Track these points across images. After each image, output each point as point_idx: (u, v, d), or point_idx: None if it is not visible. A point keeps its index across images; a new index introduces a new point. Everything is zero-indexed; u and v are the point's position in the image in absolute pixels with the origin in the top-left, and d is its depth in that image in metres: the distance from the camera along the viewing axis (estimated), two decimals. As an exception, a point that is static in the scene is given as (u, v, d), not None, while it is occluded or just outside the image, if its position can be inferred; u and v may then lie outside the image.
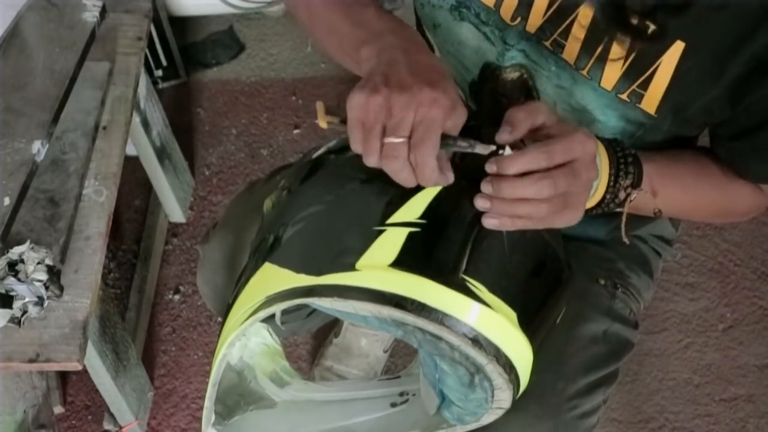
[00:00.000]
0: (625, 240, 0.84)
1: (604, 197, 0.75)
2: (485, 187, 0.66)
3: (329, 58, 0.78)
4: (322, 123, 0.68)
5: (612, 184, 0.74)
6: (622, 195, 0.75)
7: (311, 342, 1.56)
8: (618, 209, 0.77)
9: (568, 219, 0.68)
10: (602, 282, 0.97)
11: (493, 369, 0.67)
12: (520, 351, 0.68)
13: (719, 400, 1.52)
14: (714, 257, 1.69)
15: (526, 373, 0.70)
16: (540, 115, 0.67)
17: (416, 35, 0.73)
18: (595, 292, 0.97)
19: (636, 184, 0.75)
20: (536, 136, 0.67)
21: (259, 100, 1.93)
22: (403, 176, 0.65)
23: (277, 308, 0.69)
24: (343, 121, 0.66)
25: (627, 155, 0.75)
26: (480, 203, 0.66)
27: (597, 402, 0.93)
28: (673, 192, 0.83)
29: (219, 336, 0.78)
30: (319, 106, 0.68)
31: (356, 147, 0.65)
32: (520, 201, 0.65)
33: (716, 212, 0.91)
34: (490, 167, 0.65)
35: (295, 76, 1.97)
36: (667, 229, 1.06)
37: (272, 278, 0.71)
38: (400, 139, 0.63)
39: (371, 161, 0.65)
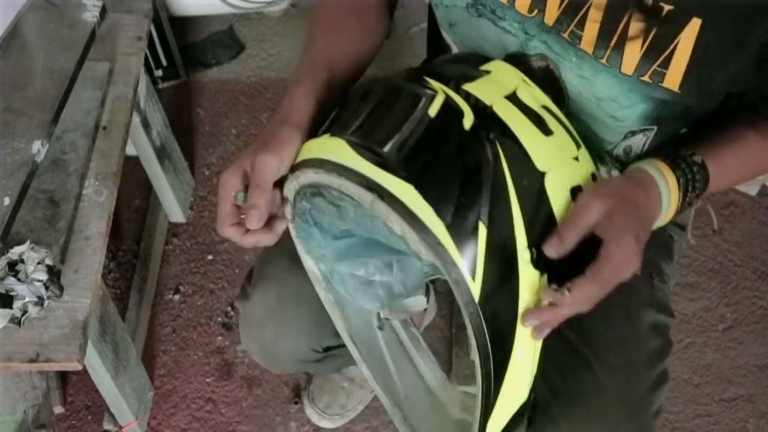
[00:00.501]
0: (692, 241, 0.89)
1: (674, 216, 0.79)
2: (529, 322, 0.72)
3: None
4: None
5: (681, 202, 0.78)
6: (686, 205, 0.79)
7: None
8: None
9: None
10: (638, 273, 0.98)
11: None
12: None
13: (719, 400, 1.52)
14: (714, 257, 1.69)
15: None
16: (591, 218, 0.71)
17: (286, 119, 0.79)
18: (636, 284, 0.97)
19: (701, 193, 0.79)
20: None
21: (259, 100, 1.93)
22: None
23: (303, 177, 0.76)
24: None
25: (693, 165, 0.78)
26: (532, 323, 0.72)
27: (661, 400, 0.94)
28: (726, 179, 0.85)
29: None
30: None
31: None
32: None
33: (757, 176, 0.94)
34: (547, 296, 0.71)
35: (295, 76, 1.96)
36: (682, 216, 1.06)
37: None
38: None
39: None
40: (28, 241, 0.98)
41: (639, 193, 0.75)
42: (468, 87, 0.75)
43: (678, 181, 0.77)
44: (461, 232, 0.68)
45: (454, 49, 0.92)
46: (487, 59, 0.83)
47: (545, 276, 0.73)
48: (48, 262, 0.97)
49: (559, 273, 0.74)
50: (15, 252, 0.96)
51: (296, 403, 1.50)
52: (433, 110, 0.71)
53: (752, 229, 1.73)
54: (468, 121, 0.71)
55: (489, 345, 0.71)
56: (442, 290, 1.30)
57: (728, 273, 1.67)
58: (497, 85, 0.77)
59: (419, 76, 0.76)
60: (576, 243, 0.70)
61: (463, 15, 0.85)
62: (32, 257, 0.96)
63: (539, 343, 0.76)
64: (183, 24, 2.00)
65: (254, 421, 1.49)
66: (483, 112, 0.73)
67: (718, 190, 0.85)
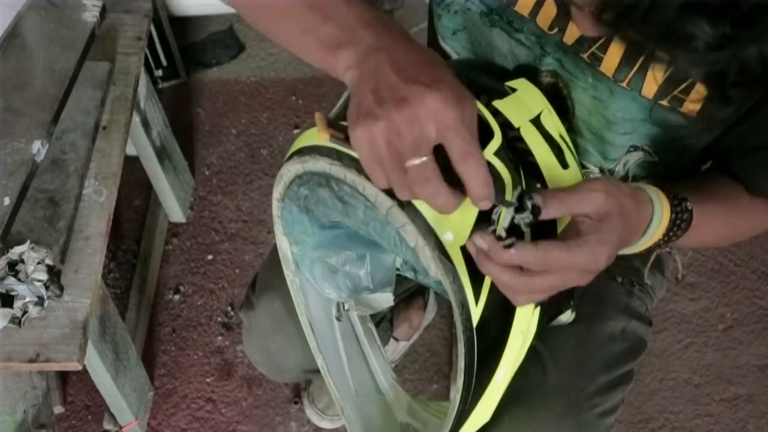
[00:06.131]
0: (648, 282, 0.88)
1: (649, 249, 0.75)
2: (476, 241, 0.62)
3: (283, 48, 0.71)
4: (323, 136, 0.64)
5: (662, 240, 0.75)
6: (657, 246, 0.76)
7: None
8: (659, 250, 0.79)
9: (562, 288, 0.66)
10: (619, 280, 0.98)
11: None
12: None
13: (719, 400, 1.52)
14: (714, 257, 1.69)
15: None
16: (583, 208, 0.64)
17: (394, 22, 0.65)
18: (613, 290, 0.97)
19: (675, 239, 0.76)
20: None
21: (259, 100, 1.93)
22: (441, 200, 0.59)
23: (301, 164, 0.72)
24: (347, 137, 0.62)
25: (685, 213, 0.75)
26: (478, 245, 0.63)
27: (616, 401, 0.93)
28: (703, 234, 0.81)
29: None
30: (319, 118, 0.63)
31: (381, 185, 0.60)
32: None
33: (736, 239, 0.90)
34: (480, 242, 0.62)
35: (295, 76, 1.97)
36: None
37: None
38: (422, 159, 0.57)
39: (404, 195, 0.59)
40: (28, 241, 0.98)
41: (635, 214, 0.70)
42: (498, 104, 0.74)
43: (669, 220, 0.74)
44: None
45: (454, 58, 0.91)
46: (509, 72, 0.81)
47: (539, 307, 0.73)
48: (48, 262, 0.97)
49: (550, 308, 0.75)
50: (15, 252, 0.96)
51: (296, 403, 1.50)
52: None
53: (752, 229, 1.73)
54: (496, 143, 0.69)
55: (476, 367, 0.71)
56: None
57: (728, 273, 1.67)
58: (524, 107, 0.76)
59: None
60: (554, 217, 0.64)
61: (475, 21, 0.84)
62: (32, 257, 0.96)
63: (517, 367, 0.75)
64: (183, 24, 2.00)
65: (254, 421, 1.49)
66: (510, 134, 0.72)
67: (682, 245, 0.82)
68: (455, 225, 0.66)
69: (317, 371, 1.02)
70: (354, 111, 0.59)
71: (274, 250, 1.00)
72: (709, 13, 0.54)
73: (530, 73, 0.83)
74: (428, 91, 0.57)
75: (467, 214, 0.66)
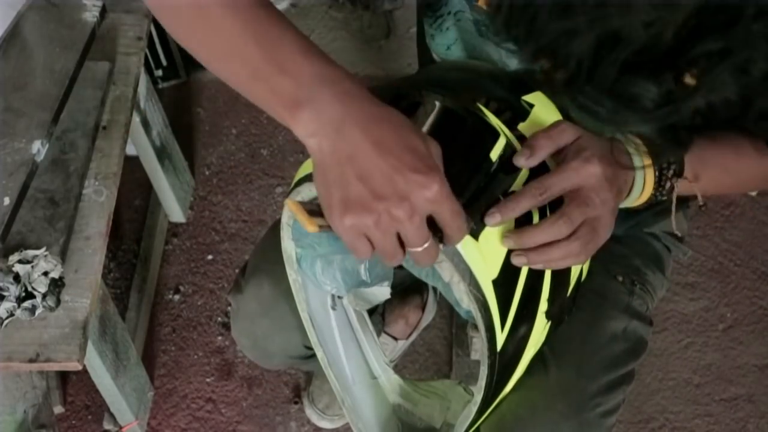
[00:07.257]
0: (676, 232, 0.87)
1: (653, 193, 0.78)
2: (506, 242, 0.69)
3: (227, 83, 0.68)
4: (311, 228, 0.62)
5: (658, 178, 0.77)
6: (667, 185, 0.78)
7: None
8: (664, 198, 0.80)
9: (603, 239, 0.72)
10: (620, 279, 0.98)
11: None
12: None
13: (719, 400, 1.52)
14: (714, 257, 1.69)
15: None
16: (563, 138, 0.71)
17: (352, 79, 0.63)
18: (614, 289, 0.97)
19: (679, 173, 0.78)
20: (557, 157, 0.71)
21: (259, 100, 1.93)
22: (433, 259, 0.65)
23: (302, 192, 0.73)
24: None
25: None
26: (508, 244, 0.70)
27: (618, 401, 0.94)
28: (715, 173, 0.84)
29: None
30: (297, 209, 0.62)
31: (365, 257, 0.63)
32: (548, 246, 0.69)
33: (758, 185, 0.93)
34: (492, 219, 0.69)
35: (295, 76, 1.96)
36: (679, 226, 1.06)
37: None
38: (425, 245, 0.62)
39: (396, 263, 0.64)
40: (44, 249, 0.97)
41: (601, 142, 0.74)
42: (522, 128, 0.76)
43: (651, 155, 0.76)
44: (504, 287, 0.71)
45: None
46: (514, 79, 0.83)
47: (549, 323, 0.77)
48: (54, 275, 0.96)
49: (555, 317, 0.78)
50: (29, 254, 0.96)
51: (296, 403, 1.50)
52: (494, 154, 0.71)
53: (752, 229, 1.73)
54: (524, 175, 0.72)
55: (494, 384, 0.76)
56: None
57: (728, 273, 1.68)
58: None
59: (471, 99, 0.75)
60: (543, 158, 0.71)
61: (469, 28, 0.85)
62: (41, 266, 0.96)
63: (523, 371, 0.80)
64: (183, 24, 2.00)
65: (254, 421, 1.49)
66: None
67: (712, 190, 0.83)
68: (489, 260, 0.70)
69: (303, 358, 1.04)
70: (339, 198, 0.60)
71: (266, 237, 1.02)
72: (650, 71, 0.54)
73: (522, 76, 0.84)
74: (426, 184, 0.59)
75: (498, 251, 0.70)
